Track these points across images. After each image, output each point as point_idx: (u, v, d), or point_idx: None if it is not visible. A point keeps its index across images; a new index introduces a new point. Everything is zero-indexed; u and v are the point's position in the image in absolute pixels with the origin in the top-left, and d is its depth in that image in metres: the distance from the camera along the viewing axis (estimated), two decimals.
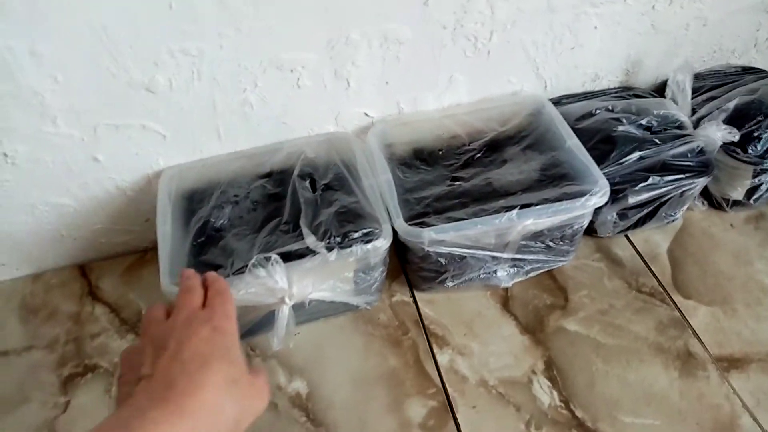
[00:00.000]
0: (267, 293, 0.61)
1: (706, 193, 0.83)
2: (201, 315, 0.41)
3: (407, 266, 0.75)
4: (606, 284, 0.74)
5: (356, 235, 0.64)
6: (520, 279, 0.74)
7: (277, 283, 0.61)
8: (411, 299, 0.74)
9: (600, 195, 0.66)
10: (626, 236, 0.80)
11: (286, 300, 0.63)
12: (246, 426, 0.37)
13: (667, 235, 0.80)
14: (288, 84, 0.70)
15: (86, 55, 0.59)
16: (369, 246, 0.63)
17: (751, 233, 0.80)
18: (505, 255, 0.70)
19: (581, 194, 0.66)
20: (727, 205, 0.81)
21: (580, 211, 0.66)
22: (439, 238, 0.64)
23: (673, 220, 0.80)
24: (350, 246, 0.62)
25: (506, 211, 0.65)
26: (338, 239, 0.63)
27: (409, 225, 0.65)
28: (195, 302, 0.44)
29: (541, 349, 0.68)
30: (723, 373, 0.65)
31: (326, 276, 0.65)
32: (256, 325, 0.68)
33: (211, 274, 0.48)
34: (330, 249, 0.62)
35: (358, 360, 0.68)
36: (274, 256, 0.61)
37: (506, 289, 0.74)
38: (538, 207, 0.65)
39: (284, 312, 0.63)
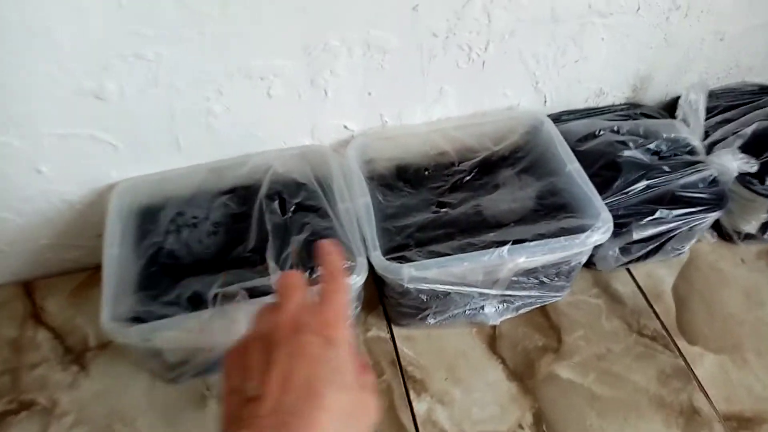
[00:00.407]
0: (226, 334, 0.55)
1: (716, 224, 0.76)
2: (310, 319, 0.36)
3: (385, 299, 0.68)
4: (604, 324, 0.67)
5: None
6: (509, 316, 0.67)
7: (240, 324, 0.54)
8: (388, 335, 0.67)
9: (602, 231, 0.59)
10: (627, 269, 0.73)
11: None
12: None
13: (673, 269, 0.73)
14: (258, 93, 0.62)
15: (25, 57, 0.51)
16: None
17: (763, 270, 0.73)
18: (493, 291, 0.63)
19: (581, 229, 0.59)
20: (739, 238, 0.74)
21: (579, 248, 0.59)
22: (420, 275, 0.57)
23: (680, 254, 0.73)
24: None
25: (497, 247, 0.58)
26: (306, 275, 0.56)
27: (388, 259, 0.57)
28: (299, 293, 0.38)
29: (530, 398, 0.62)
30: None
31: None
32: (213, 363, 0.61)
33: (325, 245, 0.41)
34: None
35: None
36: (242, 292, 0.54)
37: (494, 327, 0.67)
38: (532, 243, 0.58)
39: None
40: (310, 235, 0.59)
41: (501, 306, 0.66)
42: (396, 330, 0.67)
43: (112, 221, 0.61)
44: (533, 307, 0.68)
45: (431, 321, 0.65)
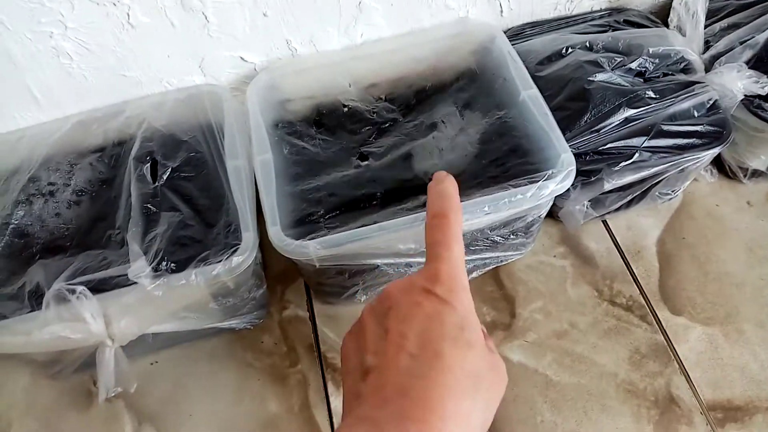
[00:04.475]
0: (79, 333, 0.44)
1: (716, 159, 0.61)
2: (418, 278, 0.32)
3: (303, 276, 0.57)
4: (569, 292, 0.55)
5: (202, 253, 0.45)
6: None
7: (88, 323, 0.43)
8: (308, 314, 0.56)
9: (560, 179, 0.45)
10: (603, 221, 0.60)
11: (107, 342, 0.46)
12: (489, 423, 0.30)
13: (660, 218, 0.60)
14: (114, 22, 0.48)
15: None
16: (216, 268, 0.44)
17: None
18: None
19: (534, 178, 0.46)
20: (745, 176, 0.60)
21: (530, 203, 0.46)
22: (331, 254, 0.45)
23: (670, 199, 0.59)
24: (182, 270, 0.43)
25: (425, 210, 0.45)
26: (173, 264, 0.44)
27: (293, 234, 0.45)
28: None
29: None
30: (715, 430, 0.48)
31: (163, 306, 0.47)
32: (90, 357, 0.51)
33: (434, 195, 0.35)
34: (157, 276, 0.43)
35: (228, 402, 0.52)
36: (80, 288, 0.43)
37: None
38: (469, 203, 0.45)
39: (108, 355, 0.46)
40: (181, 213, 0.46)
41: None
42: (318, 308, 0.56)
43: None
44: (486, 269, 0.56)
45: (362, 298, 0.54)
